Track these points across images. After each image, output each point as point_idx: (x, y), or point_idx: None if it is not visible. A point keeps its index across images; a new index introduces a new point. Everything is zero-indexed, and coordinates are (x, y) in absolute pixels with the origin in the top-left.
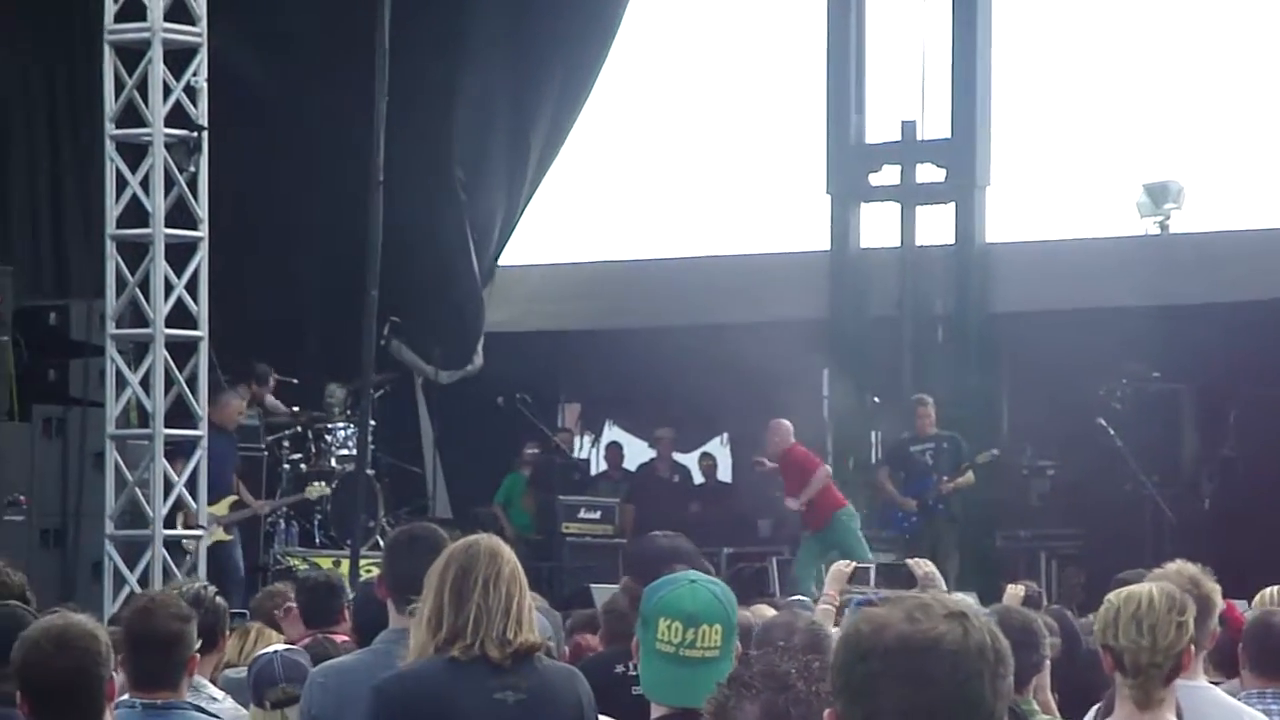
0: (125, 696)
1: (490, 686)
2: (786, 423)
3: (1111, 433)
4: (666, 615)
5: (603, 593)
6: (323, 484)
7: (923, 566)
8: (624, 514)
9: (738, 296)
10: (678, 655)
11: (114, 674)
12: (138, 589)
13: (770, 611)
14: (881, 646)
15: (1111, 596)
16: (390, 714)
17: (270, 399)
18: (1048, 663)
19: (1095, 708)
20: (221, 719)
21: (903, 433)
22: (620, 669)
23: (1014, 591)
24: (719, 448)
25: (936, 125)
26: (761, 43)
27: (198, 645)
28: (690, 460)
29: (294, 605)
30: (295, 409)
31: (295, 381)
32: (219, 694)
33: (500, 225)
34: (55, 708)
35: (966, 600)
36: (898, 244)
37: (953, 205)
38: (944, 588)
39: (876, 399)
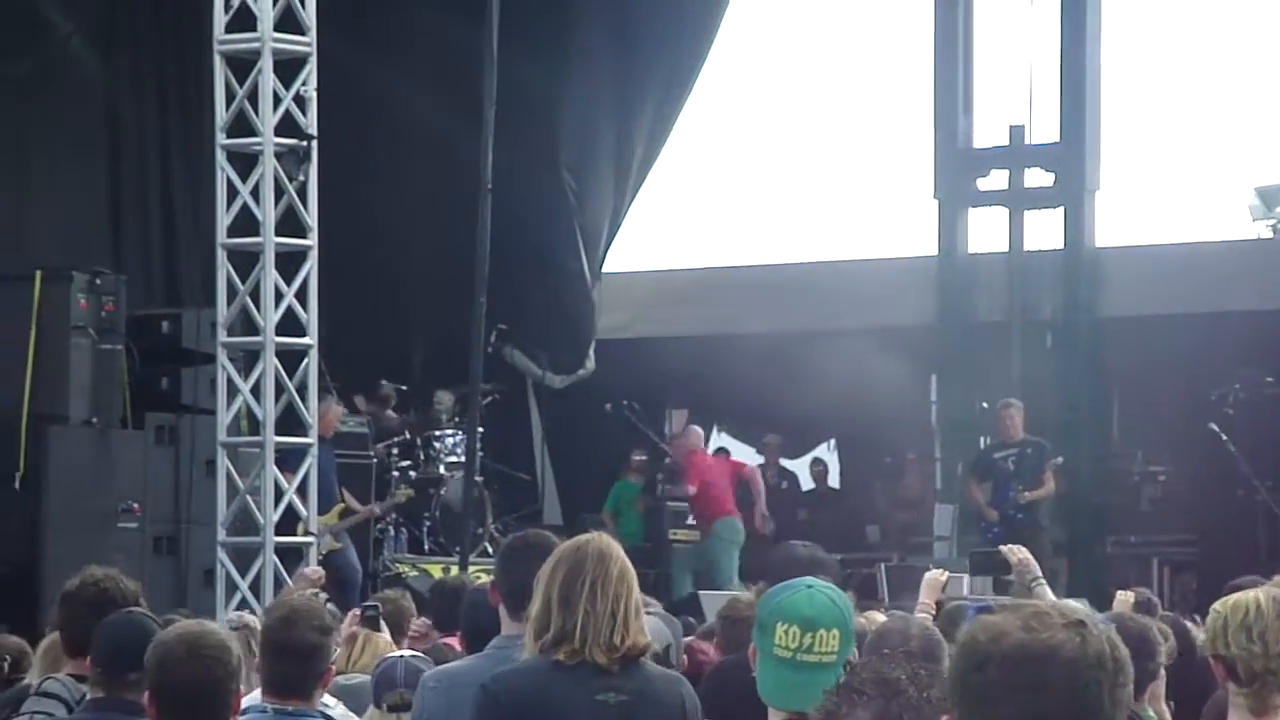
0: (257, 699)
1: (593, 688)
2: (697, 430)
3: (1224, 438)
4: (784, 620)
5: (711, 599)
6: (407, 486)
7: (1016, 553)
8: None
9: (845, 302)
10: (795, 660)
11: (240, 687)
12: (249, 596)
13: (880, 617)
14: (999, 655)
15: (1219, 605)
16: (495, 712)
17: (388, 415)
18: (1163, 671)
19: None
20: None
21: (989, 439)
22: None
23: (1124, 598)
24: (827, 454)
25: (1045, 129)
26: (868, 46)
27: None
28: (797, 466)
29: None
30: (404, 416)
31: (404, 388)
32: (331, 700)
33: (608, 228)
34: (183, 714)
35: (1082, 608)
36: (1006, 249)
37: (1061, 210)
38: (1038, 573)
39: (985, 404)
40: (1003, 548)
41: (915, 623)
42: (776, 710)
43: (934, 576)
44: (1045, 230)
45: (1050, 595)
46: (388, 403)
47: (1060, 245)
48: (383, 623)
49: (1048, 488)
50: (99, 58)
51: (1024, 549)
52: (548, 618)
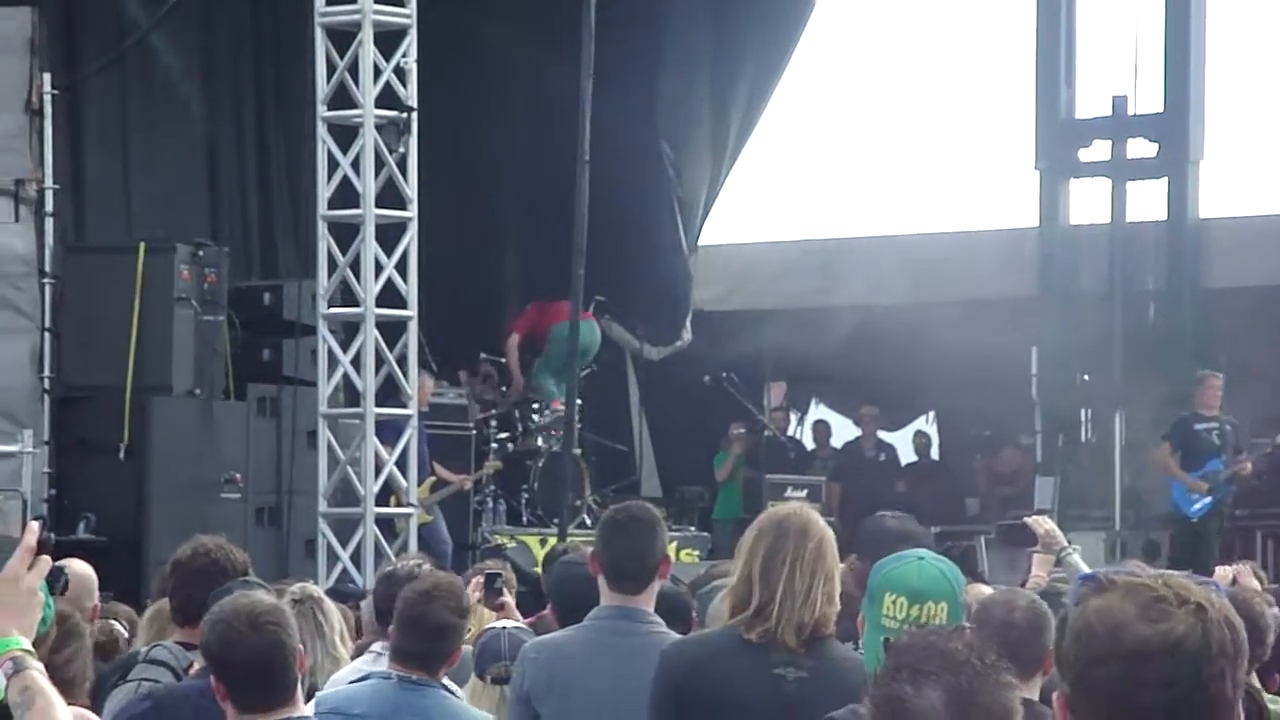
0: (382, 665)
1: (771, 661)
2: None
3: (1231, 420)
4: (892, 591)
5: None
6: (495, 458)
7: (1043, 524)
8: (830, 492)
9: (945, 273)
10: (901, 631)
11: (300, 645)
12: (350, 566)
13: (982, 590)
14: (1122, 650)
15: None
16: (671, 678)
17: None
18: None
19: None
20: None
21: (1183, 410)
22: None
23: (1223, 573)
24: (926, 426)
25: (1148, 99)
26: (971, 15)
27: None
28: (897, 439)
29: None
30: (503, 389)
31: (503, 361)
32: None
33: (705, 199)
34: (254, 686)
35: (1196, 586)
36: (1108, 220)
37: (1165, 180)
38: (1064, 543)
39: (1086, 377)
40: (1028, 519)
41: (1021, 595)
42: None
43: (1047, 554)
44: (1148, 201)
45: (1082, 565)
46: (489, 380)
47: (1163, 216)
48: (506, 589)
49: (1249, 464)
50: (198, 30)
51: (1049, 520)
52: (748, 592)
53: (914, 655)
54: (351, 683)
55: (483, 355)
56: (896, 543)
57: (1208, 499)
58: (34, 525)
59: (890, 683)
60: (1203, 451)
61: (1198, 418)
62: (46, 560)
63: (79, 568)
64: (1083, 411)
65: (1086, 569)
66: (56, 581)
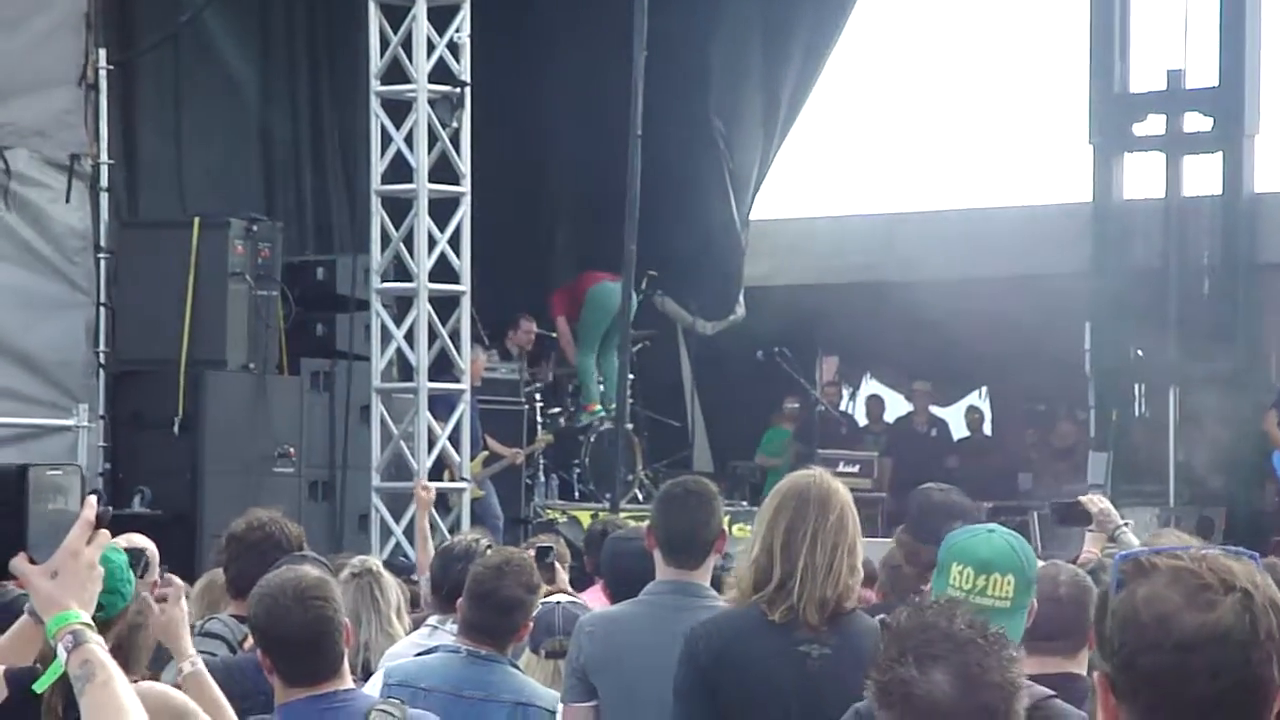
0: (439, 639)
1: (795, 639)
2: None
3: None
4: (960, 561)
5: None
6: (546, 432)
7: (1097, 503)
8: (882, 468)
9: (998, 248)
10: (967, 602)
11: (346, 620)
12: (403, 540)
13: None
14: (1170, 641)
15: None
16: (696, 657)
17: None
18: None
19: None
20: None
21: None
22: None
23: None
24: (979, 401)
25: (1203, 73)
26: None
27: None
28: (949, 414)
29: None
30: (554, 363)
31: (554, 335)
32: None
33: (756, 173)
34: (302, 660)
35: (1239, 566)
36: (1163, 194)
37: (1220, 154)
38: (1120, 521)
39: (1140, 352)
40: (1082, 498)
41: (1064, 569)
42: None
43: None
44: (1203, 175)
45: (1135, 542)
46: (529, 336)
47: (1218, 190)
48: (557, 564)
49: None
50: (252, 5)
51: (1104, 498)
52: (769, 565)
53: (916, 638)
54: (418, 655)
55: (531, 326)
56: (942, 515)
57: None
58: (92, 499)
59: (894, 667)
60: None
61: None
62: (105, 534)
63: (140, 542)
64: (1136, 386)
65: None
66: (138, 563)
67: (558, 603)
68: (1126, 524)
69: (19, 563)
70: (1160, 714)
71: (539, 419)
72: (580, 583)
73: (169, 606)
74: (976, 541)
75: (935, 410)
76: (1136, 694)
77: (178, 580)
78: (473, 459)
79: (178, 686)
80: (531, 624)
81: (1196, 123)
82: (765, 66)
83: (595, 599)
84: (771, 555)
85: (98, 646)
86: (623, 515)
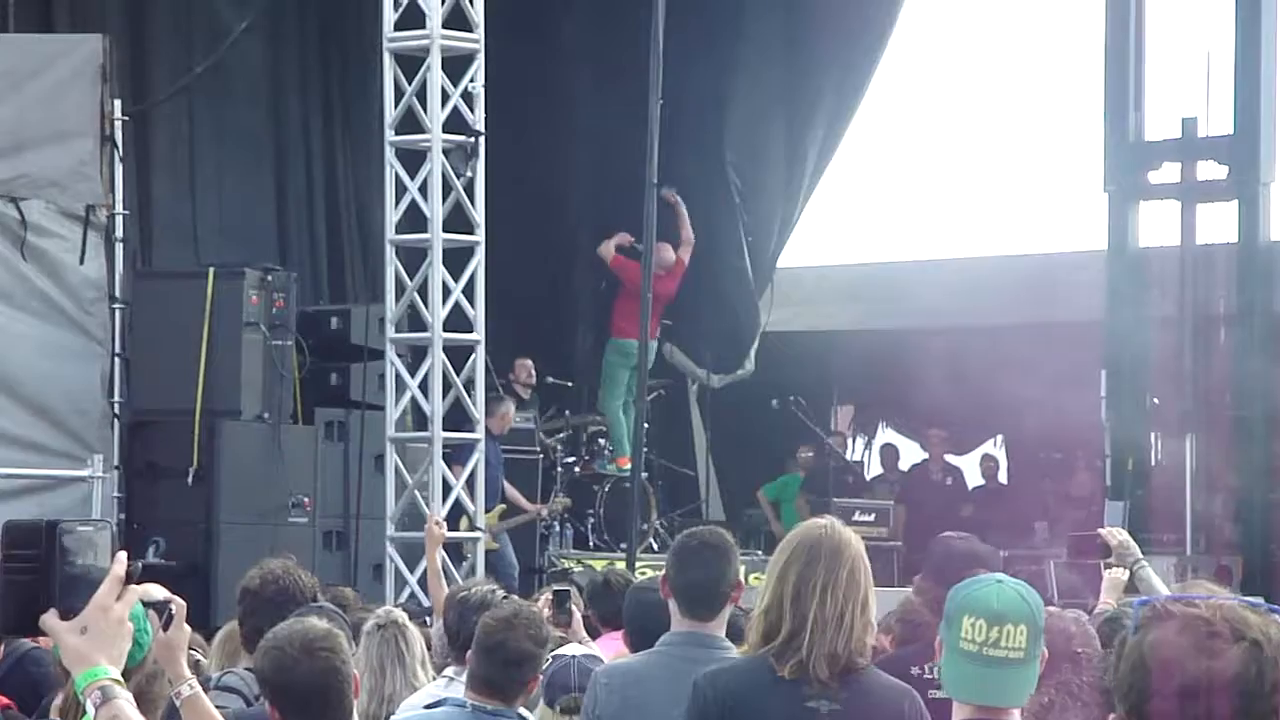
0: (457, 692)
1: (804, 694)
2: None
3: None
4: (971, 613)
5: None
6: (564, 496)
7: (1116, 536)
8: (898, 516)
9: (1013, 296)
10: (981, 654)
11: (355, 671)
12: (418, 590)
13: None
14: (1174, 686)
15: None
16: (704, 710)
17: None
18: None
19: None
20: None
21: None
22: (917, 670)
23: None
24: (994, 449)
25: (1219, 121)
26: (1040, 38)
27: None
28: (965, 462)
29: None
30: (569, 414)
31: (570, 385)
32: None
33: (778, 229)
34: (307, 711)
35: (1255, 617)
36: (1178, 243)
37: (1235, 203)
38: (1139, 555)
39: (1156, 400)
40: (1102, 530)
41: (1070, 618)
42: (962, 704)
43: (1116, 576)
44: (1219, 224)
45: (1154, 577)
46: (527, 371)
47: (1234, 239)
48: (574, 608)
49: None
50: (266, 55)
51: (1123, 531)
52: (779, 618)
53: (1080, 679)
54: (426, 708)
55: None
56: (963, 563)
57: None
58: (122, 556)
59: (1049, 691)
60: None
61: None
62: (134, 590)
63: (159, 595)
64: (1152, 435)
65: (1160, 584)
66: (161, 614)
67: (573, 656)
68: (1144, 562)
69: (49, 618)
70: None
71: (557, 468)
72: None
73: (172, 629)
74: (987, 592)
75: (950, 458)
76: None
77: (179, 601)
78: (490, 510)
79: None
80: (541, 677)
81: (1211, 171)
82: (789, 129)
83: (603, 650)
84: (781, 607)
85: (126, 703)
86: (639, 565)
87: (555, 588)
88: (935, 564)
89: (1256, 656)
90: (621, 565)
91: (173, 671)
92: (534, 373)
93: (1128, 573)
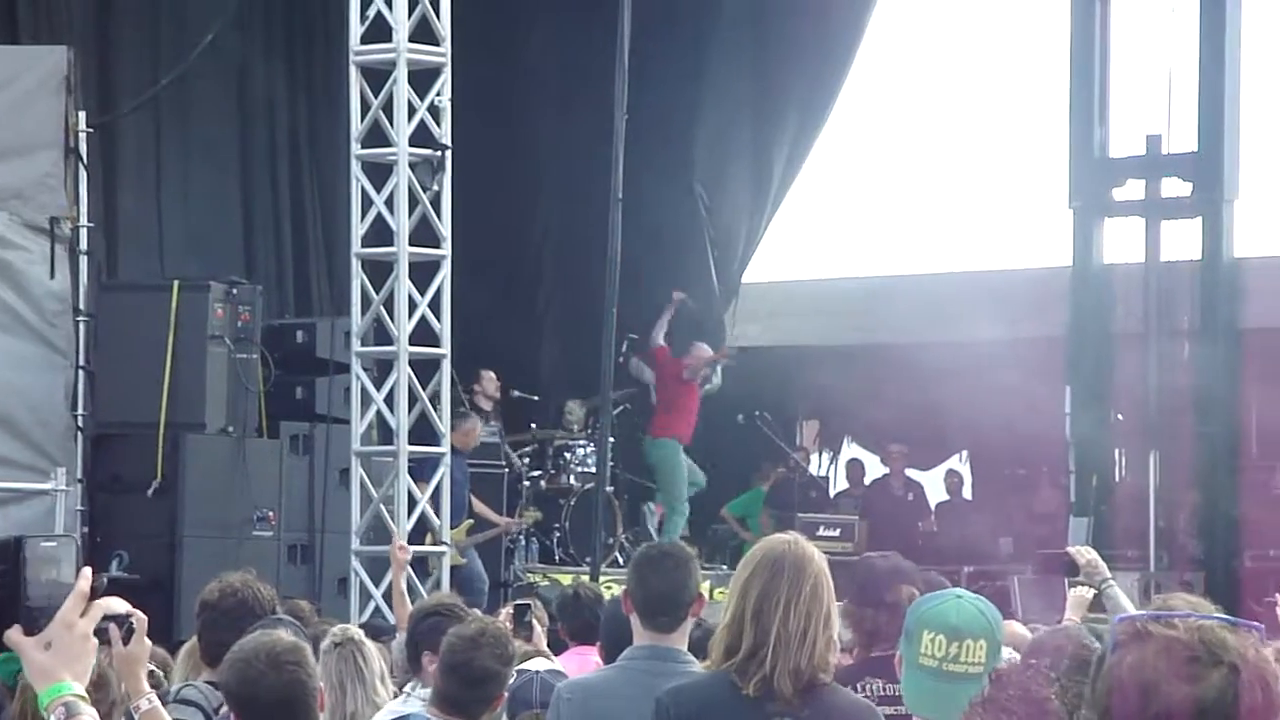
0: (413, 706)
1: (767, 710)
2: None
3: None
4: (930, 629)
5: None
6: (535, 510)
7: (1085, 554)
8: (862, 531)
9: (978, 312)
10: (940, 670)
11: (321, 685)
12: (383, 604)
13: (1017, 628)
14: (1151, 711)
15: None
16: None
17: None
18: None
19: None
20: None
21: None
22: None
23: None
24: (959, 465)
25: (1182, 138)
26: (1005, 56)
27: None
28: (930, 478)
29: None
30: (534, 428)
31: (535, 398)
32: None
33: (744, 244)
34: None
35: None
36: (1142, 259)
37: (1199, 219)
38: (1107, 574)
39: (1120, 416)
40: (1070, 549)
41: (1073, 637)
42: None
43: (1080, 594)
44: (1183, 240)
45: (1122, 596)
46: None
47: (1198, 255)
48: (535, 623)
49: None
50: (232, 68)
51: (1092, 550)
52: (741, 633)
53: (1005, 693)
54: None
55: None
56: (887, 581)
57: None
58: (86, 571)
59: (975, 713)
60: None
61: None
62: (99, 605)
63: (120, 608)
64: (1117, 451)
65: (1128, 602)
66: (122, 627)
67: (536, 672)
68: (1112, 581)
69: (14, 634)
70: None
71: (523, 482)
72: (554, 648)
73: (132, 643)
74: (946, 608)
75: (912, 473)
76: None
77: (139, 615)
78: (455, 526)
79: None
80: (506, 695)
81: (1176, 188)
82: (756, 143)
83: (569, 664)
84: (743, 622)
85: (90, 718)
86: (603, 579)
87: (516, 602)
88: (859, 584)
89: (1233, 681)
90: (586, 579)
91: (132, 686)
92: (498, 385)
93: (1092, 591)
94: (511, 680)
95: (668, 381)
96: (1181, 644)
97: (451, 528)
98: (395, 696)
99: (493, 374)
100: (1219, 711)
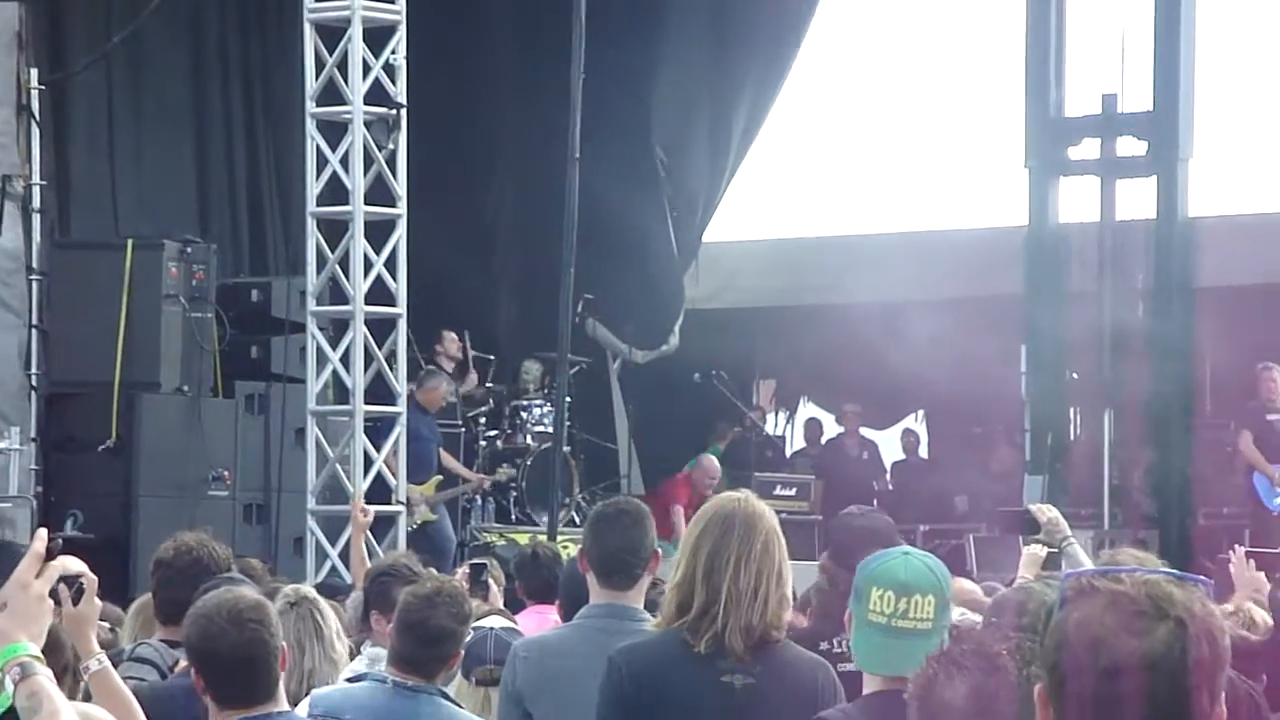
0: (377, 667)
1: (720, 668)
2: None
3: None
4: (879, 585)
5: (799, 569)
6: (509, 467)
7: (1046, 513)
8: (817, 490)
9: (935, 272)
10: (890, 626)
11: (284, 644)
12: (339, 563)
13: (969, 586)
14: (1100, 665)
15: None
16: (619, 684)
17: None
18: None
19: None
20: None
21: (1249, 400)
22: (825, 645)
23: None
24: (915, 424)
25: (1138, 97)
26: (962, 15)
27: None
28: (887, 437)
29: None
30: (491, 386)
31: (492, 359)
32: None
33: (702, 206)
34: (234, 682)
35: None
36: (1098, 218)
37: (1154, 178)
38: (1068, 532)
39: (1075, 375)
40: (1032, 506)
41: (1035, 595)
42: (872, 675)
43: (1034, 551)
44: (1138, 199)
45: (1082, 554)
46: (454, 345)
47: (1153, 214)
48: (491, 582)
49: None
50: (186, 25)
51: (1053, 508)
52: (693, 591)
53: (959, 647)
54: (346, 681)
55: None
56: (861, 541)
57: None
58: (42, 533)
59: (931, 665)
60: (1273, 443)
61: (1268, 408)
62: (55, 567)
63: (75, 567)
64: (1071, 410)
65: (1087, 560)
66: (72, 588)
67: (491, 629)
68: (1073, 539)
69: None
70: None
71: (479, 441)
72: (513, 607)
73: (82, 603)
74: (894, 565)
75: (867, 433)
76: (1072, 713)
77: (90, 575)
78: (424, 483)
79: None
80: (463, 652)
81: (1131, 147)
82: (714, 104)
83: (527, 622)
84: (695, 581)
85: (46, 679)
86: (560, 538)
87: (472, 561)
88: (835, 542)
89: (1180, 635)
90: (544, 539)
91: (81, 647)
92: (460, 345)
93: (1046, 549)
94: (468, 638)
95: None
96: (1128, 598)
97: (420, 485)
98: (353, 656)
99: (454, 334)
100: (1167, 665)
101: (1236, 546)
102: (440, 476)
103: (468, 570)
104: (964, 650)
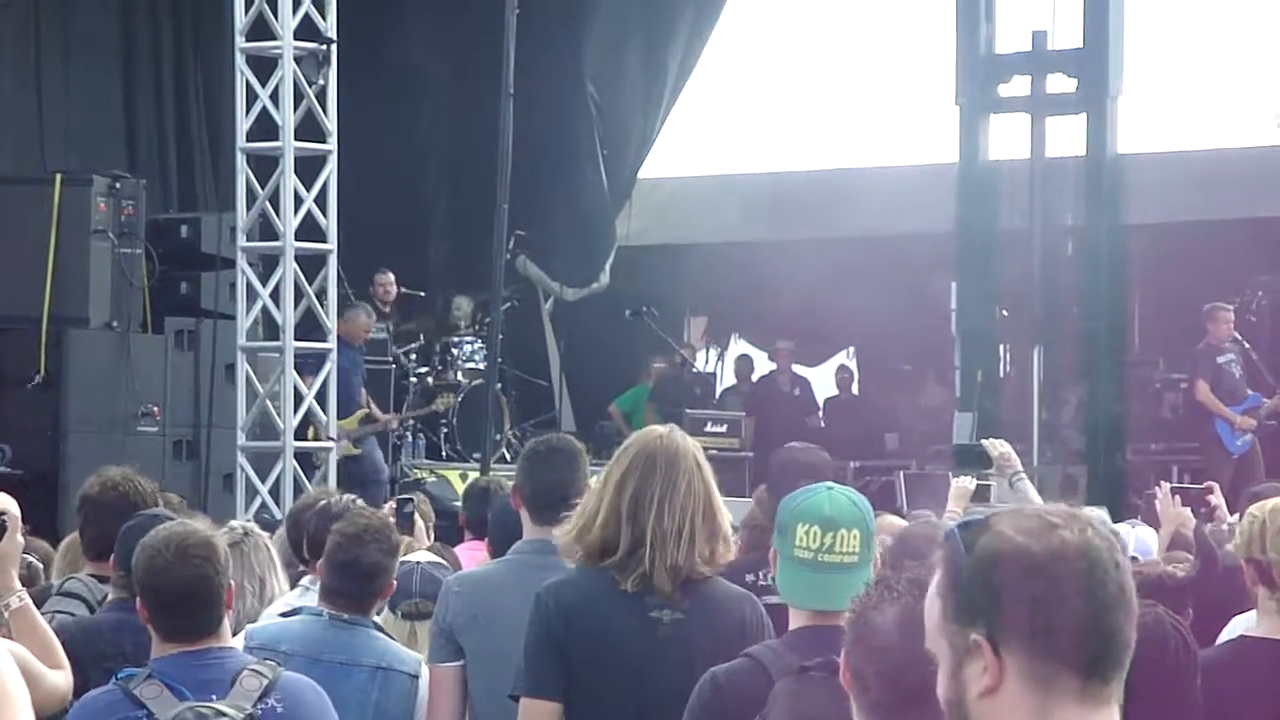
0: (311, 599)
1: (647, 604)
2: None
3: (1246, 346)
4: (804, 521)
5: (730, 506)
6: (450, 396)
7: (998, 447)
8: (749, 427)
9: (865, 209)
10: (816, 561)
11: (231, 581)
12: (269, 499)
13: (898, 522)
14: (1042, 558)
15: (1255, 510)
16: (547, 620)
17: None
18: None
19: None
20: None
21: (1199, 343)
22: (751, 577)
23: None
24: (847, 360)
25: (1068, 34)
26: None
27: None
28: (820, 373)
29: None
30: (421, 321)
31: (422, 294)
32: None
33: (636, 144)
34: (176, 615)
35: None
36: (1027, 155)
37: (1084, 116)
38: (1019, 468)
39: (1005, 312)
40: (984, 441)
41: (942, 528)
42: (798, 610)
43: (963, 485)
44: (1067, 136)
45: (1030, 489)
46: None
47: (1082, 152)
48: (418, 518)
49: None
50: None
51: (1005, 443)
52: (616, 531)
53: (895, 576)
54: (281, 616)
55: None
56: (798, 474)
57: (1248, 435)
58: None
59: (868, 591)
60: (1229, 385)
61: (1217, 350)
62: None
63: (4, 503)
64: (1001, 347)
65: (1035, 495)
66: None
67: (418, 563)
68: (1024, 475)
69: None
70: (1055, 638)
71: (410, 378)
72: (453, 538)
73: (4, 541)
74: (818, 499)
75: (799, 369)
76: (1019, 628)
77: (12, 512)
78: (348, 417)
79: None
80: (395, 584)
81: (1061, 84)
82: (647, 42)
83: (467, 555)
84: (619, 520)
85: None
86: (492, 475)
87: (398, 496)
88: (774, 475)
89: (1098, 532)
90: (476, 475)
91: (2, 584)
92: (394, 287)
93: (974, 482)
94: (397, 569)
95: None
96: (1036, 515)
97: (343, 419)
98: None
99: (390, 276)
100: (1095, 555)
101: (1163, 483)
102: (365, 410)
103: (395, 505)
104: (900, 578)
